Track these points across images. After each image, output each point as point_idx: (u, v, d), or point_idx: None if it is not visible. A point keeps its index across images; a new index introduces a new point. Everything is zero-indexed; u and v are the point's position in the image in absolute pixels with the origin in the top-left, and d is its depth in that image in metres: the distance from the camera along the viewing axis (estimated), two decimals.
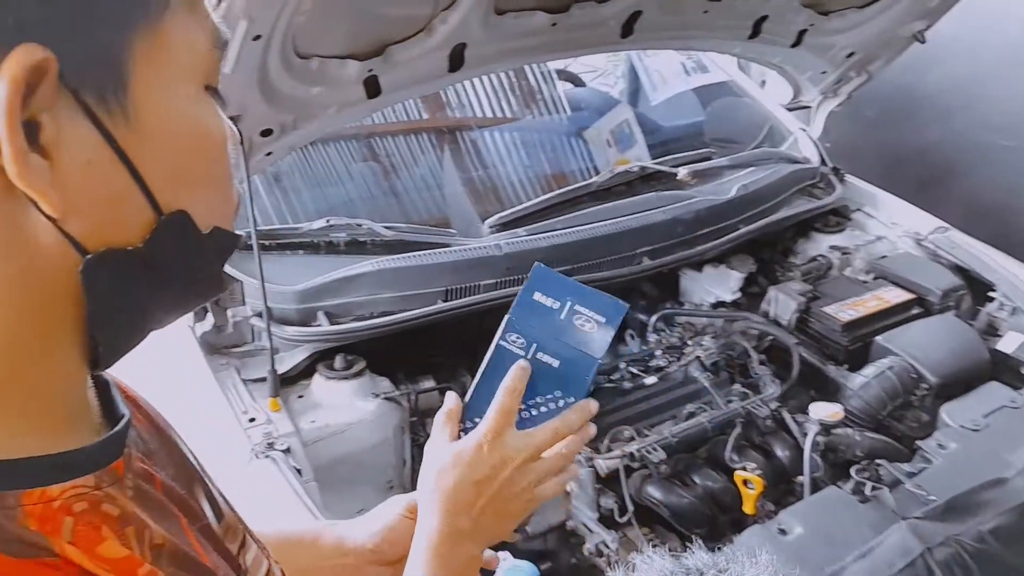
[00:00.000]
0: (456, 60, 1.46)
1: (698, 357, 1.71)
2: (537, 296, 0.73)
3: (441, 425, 0.72)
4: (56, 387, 0.41)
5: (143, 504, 0.42)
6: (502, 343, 0.72)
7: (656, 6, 1.55)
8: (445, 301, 1.65)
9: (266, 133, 1.38)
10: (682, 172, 1.97)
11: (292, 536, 0.76)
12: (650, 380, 1.66)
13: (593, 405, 0.72)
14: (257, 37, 1.12)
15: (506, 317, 0.73)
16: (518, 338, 0.72)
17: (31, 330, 0.39)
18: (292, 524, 0.83)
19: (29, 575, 0.35)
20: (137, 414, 0.51)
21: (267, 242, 1.65)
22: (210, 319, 1.58)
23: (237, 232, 0.48)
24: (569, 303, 0.72)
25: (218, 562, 0.46)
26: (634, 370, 1.69)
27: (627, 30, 1.58)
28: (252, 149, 1.39)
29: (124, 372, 0.50)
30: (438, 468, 0.69)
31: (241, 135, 1.34)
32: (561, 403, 0.72)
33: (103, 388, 0.48)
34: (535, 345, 0.72)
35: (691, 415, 1.58)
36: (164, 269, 0.42)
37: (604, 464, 1.42)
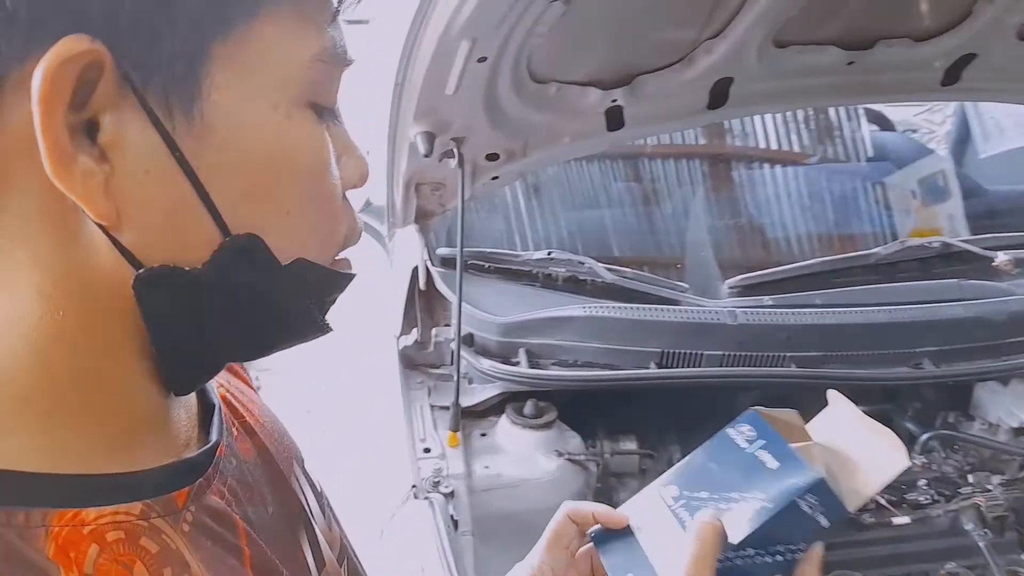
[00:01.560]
0: (718, 97, 1.24)
1: (977, 505, 1.30)
2: None
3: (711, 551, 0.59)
4: (118, 406, 0.38)
5: (199, 543, 0.38)
6: (729, 431, 0.67)
7: (1000, 51, 1.18)
8: (659, 365, 1.44)
9: (492, 157, 1.28)
10: (1001, 257, 1.53)
11: None
12: (902, 520, 1.30)
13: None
14: (483, 59, 1.01)
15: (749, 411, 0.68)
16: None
17: (88, 340, 0.36)
18: None
19: None
20: (251, 441, 0.49)
21: (485, 264, 1.58)
22: (415, 333, 1.55)
23: (341, 271, 0.42)
24: None
25: None
26: (883, 500, 1.34)
27: (952, 77, 1.23)
28: (477, 173, 1.31)
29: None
30: None
31: (463, 157, 1.27)
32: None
33: (209, 413, 0.46)
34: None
35: None
36: (230, 297, 0.38)
37: None
